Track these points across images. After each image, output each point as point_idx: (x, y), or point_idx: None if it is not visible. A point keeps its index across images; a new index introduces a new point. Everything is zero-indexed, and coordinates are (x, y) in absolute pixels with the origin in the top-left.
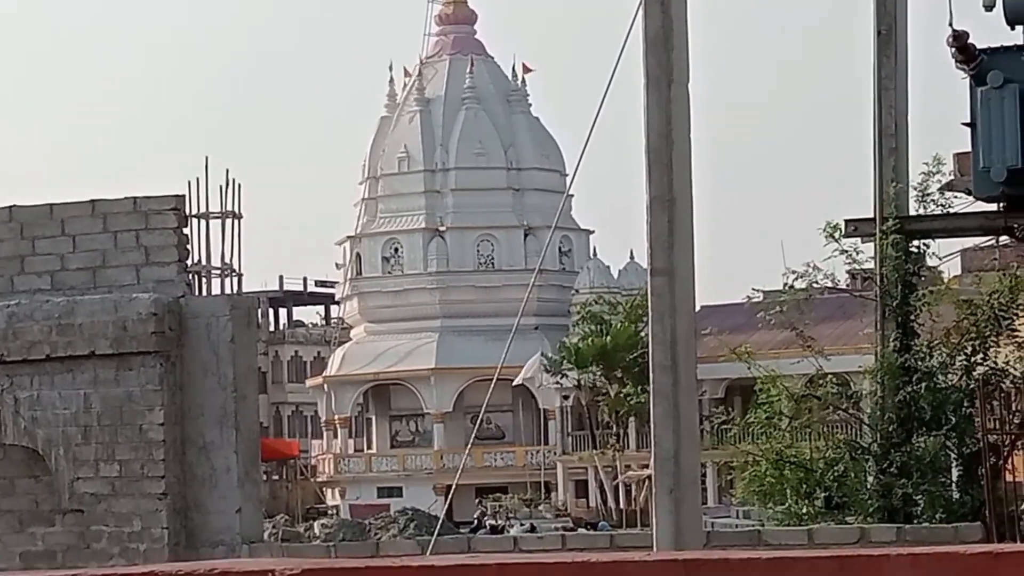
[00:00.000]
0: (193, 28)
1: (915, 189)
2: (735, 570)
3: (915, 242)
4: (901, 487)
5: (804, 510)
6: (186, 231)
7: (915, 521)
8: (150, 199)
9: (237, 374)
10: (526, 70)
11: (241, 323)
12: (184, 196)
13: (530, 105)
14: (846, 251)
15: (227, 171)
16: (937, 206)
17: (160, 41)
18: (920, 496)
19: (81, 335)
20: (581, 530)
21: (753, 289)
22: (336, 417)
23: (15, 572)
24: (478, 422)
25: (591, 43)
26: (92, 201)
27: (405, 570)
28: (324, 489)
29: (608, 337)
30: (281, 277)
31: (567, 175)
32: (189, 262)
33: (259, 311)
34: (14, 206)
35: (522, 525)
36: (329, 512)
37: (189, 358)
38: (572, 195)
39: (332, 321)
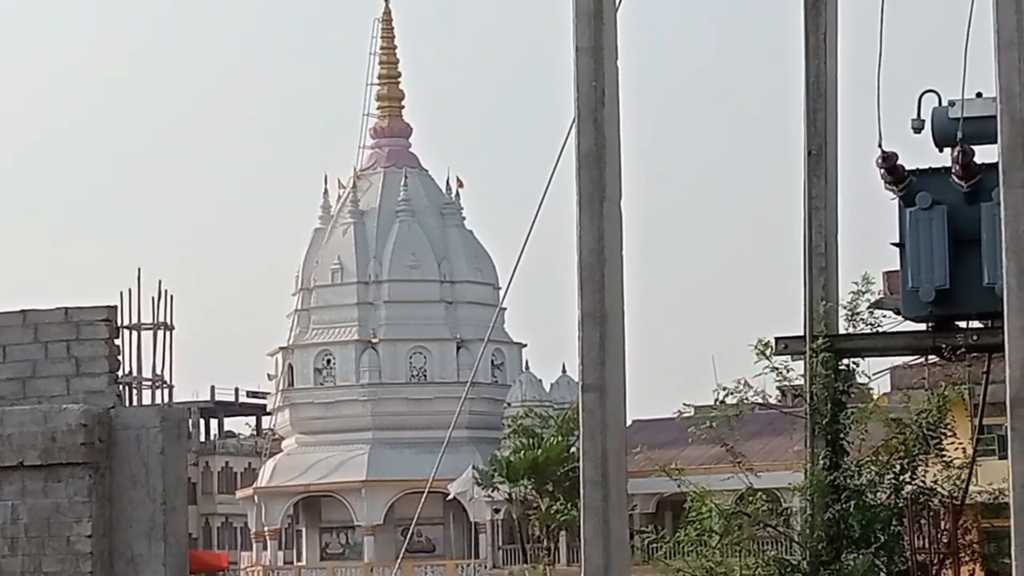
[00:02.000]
0: (127, 140)
1: (845, 308)
2: None
3: (845, 360)
4: None
5: None
6: (117, 342)
7: None
8: (82, 310)
9: (167, 486)
10: (460, 184)
11: (171, 434)
12: (116, 307)
13: (464, 218)
14: (777, 368)
15: (159, 282)
16: (866, 325)
17: (94, 150)
18: None
19: (10, 446)
20: None
21: (684, 404)
22: (266, 529)
23: None
24: (409, 535)
25: (525, 158)
26: (23, 311)
27: None
28: None
29: (540, 451)
30: (213, 387)
31: (500, 288)
32: (120, 373)
33: (190, 422)
34: None
35: None
36: None
37: (118, 469)
38: (505, 308)
39: (263, 432)
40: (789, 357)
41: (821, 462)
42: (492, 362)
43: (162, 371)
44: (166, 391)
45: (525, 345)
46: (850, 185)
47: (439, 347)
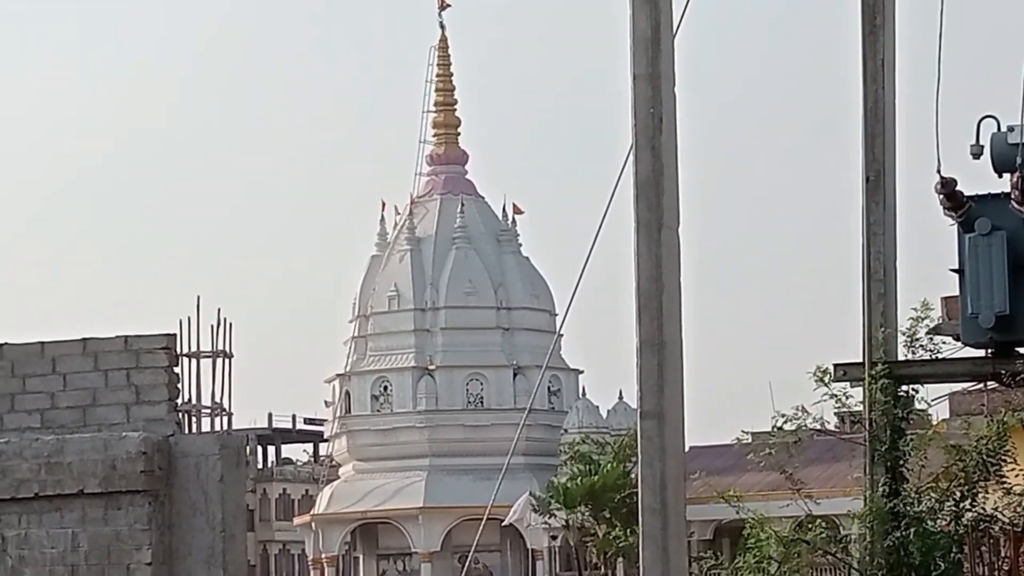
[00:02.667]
0: (185, 166)
1: (903, 334)
2: None
3: (903, 387)
4: None
5: None
6: (176, 370)
7: None
8: (141, 338)
9: (226, 513)
10: (516, 211)
11: (230, 462)
12: (175, 335)
13: (520, 245)
14: (835, 395)
15: (219, 310)
16: (925, 351)
17: (153, 179)
18: None
19: (70, 473)
20: None
21: (742, 431)
22: (323, 556)
23: None
24: (467, 562)
25: (583, 184)
26: (83, 339)
27: None
28: None
29: (597, 477)
30: (270, 414)
31: (556, 315)
32: (179, 401)
33: (248, 449)
34: (5, 344)
35: None
36: None
37: (178, 497)
38: (562, 335)
39: (320, 459)
40: (848, 383)
41: (880, 489)
42: (549, 388)
43: (221, 399)
44: (225, 418)
45: (582, 372)
46: (909, 211)
47: (496, 374)
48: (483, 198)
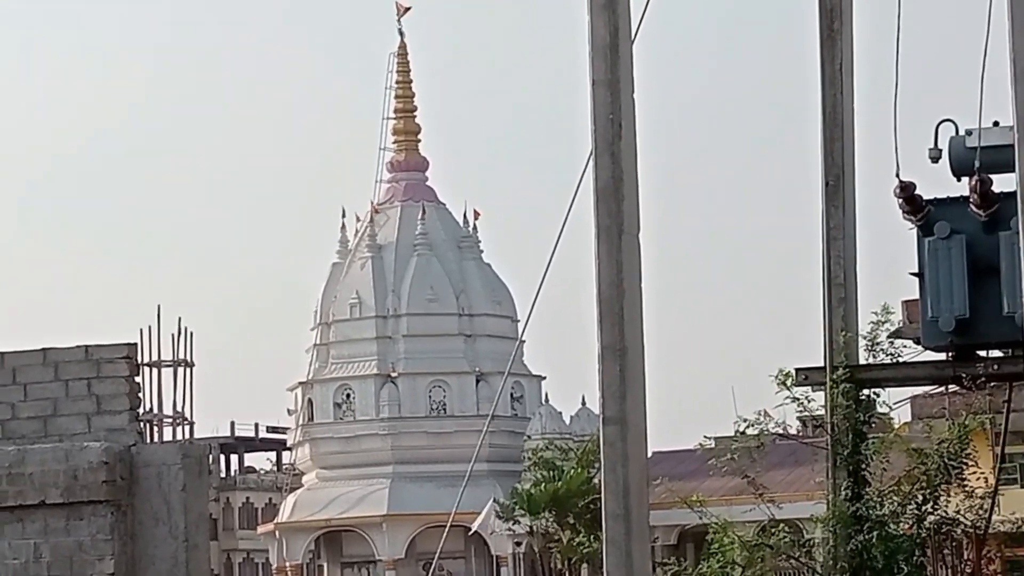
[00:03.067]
0: (145, 175)
1: (864, 338)
2: None
3: (865, 390)
4: None
5: None
6: (138, 379)
7: None
8: (102, 347)
9: (188, 523)
10: (476, 215)
11: (193, 471)
12: (136, 344)
13: (482, 251)
14: (797, 399)
15: (179, 319)
16: (886, 355)
17: (111, 187)
18: None
19: (31, 484)
20: None
21: (704, 436)
22: (288, 564)
23: None
24: (431, 569)
25: (543, 191)
26: (44, 349)
27: None
28: None
29: (560, 483)
30: (232, 423)
31: (519, 321)
32: (141, 410)
33: (210, 458)
34: None
35: None
36: None
37: (140, 507)
38: (524, 341)
39: (284, 467)
40: (810, 387)
41: (843, 493)
42: (512, 395)
43: (183, 408)
44: (187, 428)
45: (544, 378)
46: (868, 215)
47: (458, 380)
48: (444, 205)
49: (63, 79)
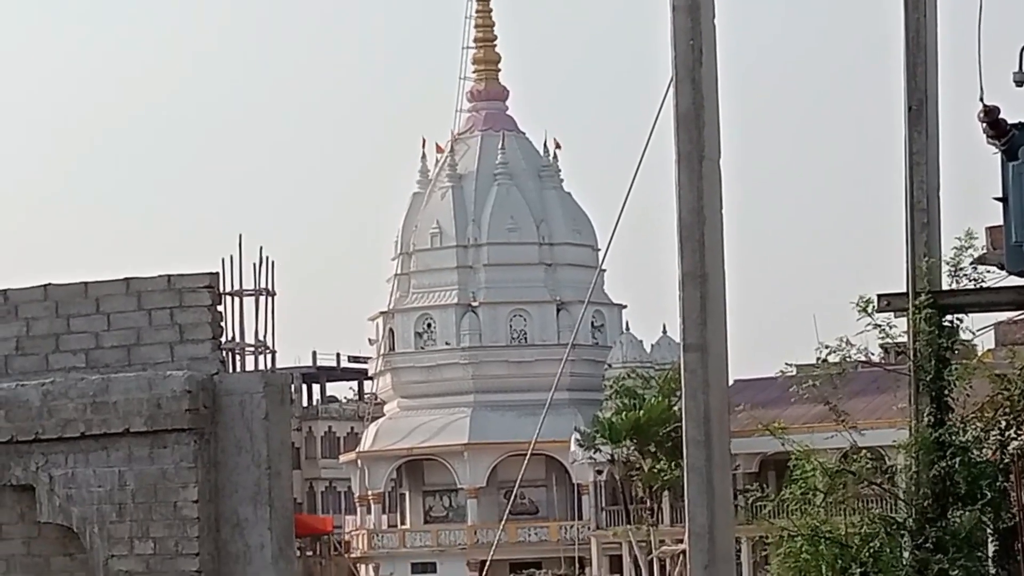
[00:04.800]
0: (227, 107)
1: (947, 263)
2: None
3: (948, 316)
4: (937, 563)
5: None
6: (220, 308)
7: None
8: (184, 277)
9: (271, 451)
10: (557, 146)
11: (275, 400)
12: (218, 274)
13: (562, 180)
14: (879, 326)
15: (260, 248)
16: (970, 280)
17: (194, 120)
18: (956, 571)
19: (116, 413)
20: None
21: (786, 363)
22: (370, 493)
23: None
24: (512, 497)
25: (623, 118)
26: (126, 279)
27: None
28: (358, 565)
29: (641, 411)
30: (314, 353)
31: (599, 250)
32: (223, 339)
33: (292, 387)
34: (49, 284)
35: None
36: None
37: (223, 435)
38: (604, 270)
39: (365, 397)
40: (892, 314)
41: (926, 419)
42: (592, 323)
43: (264, 337)
44: (269, 357)
45: (625, 306)
46: (952, 140)
47: (539, 309)
48: (524, 134)
49: (148, 20)
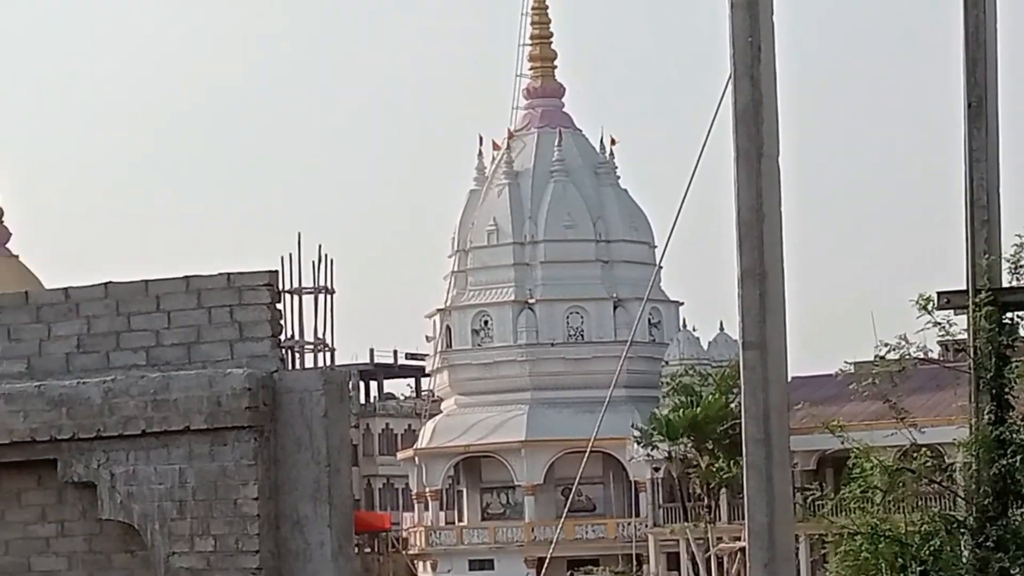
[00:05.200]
0: (286, 105)
1: (1008, 261)
2: None
3: (1008, 314)
4: (998, 561)
5: None
6: (279, 306)
7: None
8: (244, 275)
9: (330, 448)
10: (613, 142)
11: (334, 397)
12: (277, 272)
13: (618, 177)
14: (939, 323)
15: (319, 247)
16: None
17: (253, 118)
18: (1017, 571)
19: (176, 410)
20: None
21: (845, 361)
22: (427, 490)
23: None
24: (571, 495)
25: (680, 115)
26: (187, 277)
27: None
28: (416, 562)
29: (698, 409)
30: (372, 350)
31: (655, 247)
32: (282, 337)
33: (350, 384)
34: (110, 283)
35: None
36: None
37: (282, 433)
38: (661, 267)
39: (423, 394)
40: (951, 311)
41: (986, 417)
42: (649, 320)
43: (323, 334)
44: (328, 354)
45: (682, 303)
46: (1012, 136)
47: (596, 306)
48: (580, 131)
49: (210, 17)
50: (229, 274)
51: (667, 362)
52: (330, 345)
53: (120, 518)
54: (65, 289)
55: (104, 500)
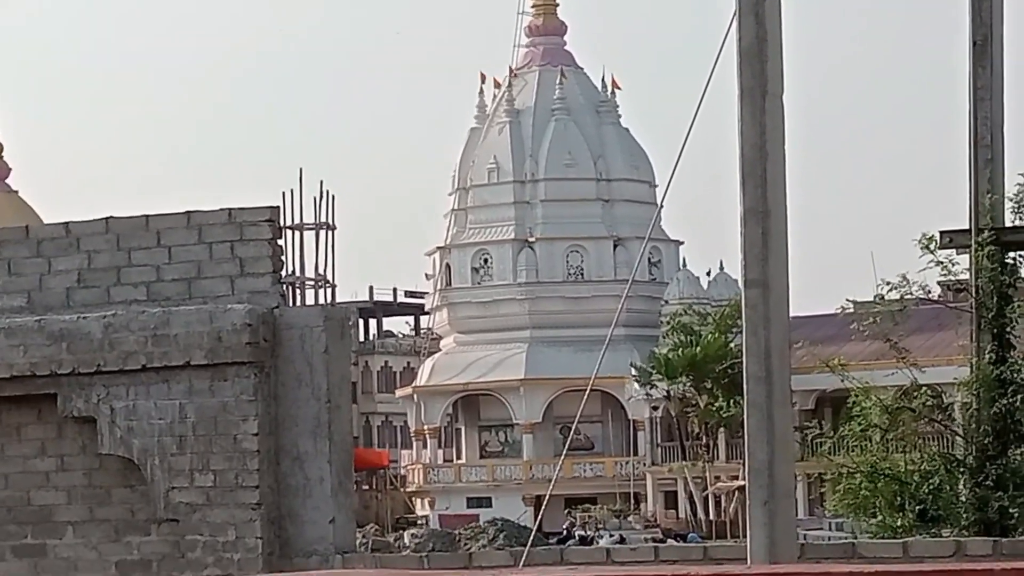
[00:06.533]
0: (285, 41)
1: (1011, 200)
2: None
3: (1011, 253)
4: (997, 500)
5: (898, 523)
6: (280, 242)
7: (1011, 535)
8: (245, 210)
9: (331, 385)
10: (616, 86)
11: (335, 334)
12: (278, 207)
13: (620, 116)
14: (941, 263)
15: (321, 182)
16: None
17: (253, 54)
18: (1016, 509)
19: (176, 346)
20: (671, 541)
21: (846, 300)
22: (425, 427)
23: None
24: (570, 433)
25: (682, 53)
26: (187, 212)
27: None
28: (413, 499)
29: (698, 348)
30: (371, 287)
31: (656, 186)
32: (283, 273)
33: (351, 322)
34: (111, 218)
35: (611, 536)
36: (419, 522)
37: (283, 369)
38: (663, 207)
39: (422, 332)
40: (954, 251)
41: (987, 356)
42: (649, 260)
43: (324, 271)
44: (328, 290)
45: (682, 243)
46: (1016, 75)
47: (596, 245)
48: (582, 69)
49: None
50: (230, 209)
51: (666, 301)
52: (331, 281)
53: (120, 453)
54: (66, 224)
55: (104, 435)
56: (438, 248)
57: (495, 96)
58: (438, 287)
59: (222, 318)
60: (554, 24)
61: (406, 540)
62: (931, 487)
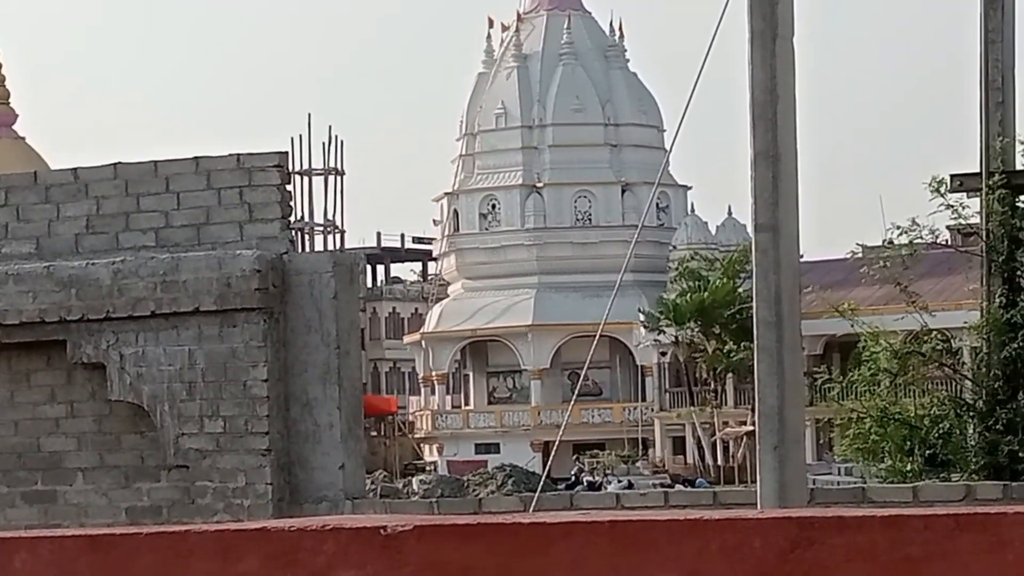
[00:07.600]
0: None
1: (1022, 143)
2: (850, 528)
3: (1022, 197)
4: (1007, 444)
5: (908, 467)
6: (289, 188)
7: (1021, 479)
8: (253, 156)
9: (340, 330)
10: (622, 34)
11: (344, 280)
12: (287, 153)
13: (628, 60)
14: (952, 206)
15: (329, 127)
16: None
17: (263, 1)
18: None
19: (185, 292)
20: (679, 487)
21: (856, 244)
22: (434, 373)
23: (121, 527)
24: (579, 379)
25: None
26: (196, 158)
27: (516, 527)
28: (422, 445)
29: (706, 293)
30: (379, 233)
31: (664, 131)
32: (292, 219)
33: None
34: (119, 163)
35: (620, 482)
36: (427, 468)
37: (292, 315)
38: (670, 152)
39: (429, 278)
40: (964, 194)
41: (997, 301)
42: (657, 205)
43: (333, 216)
44: (337, 236)
45: (690, 188)
46: None
47: (604, 191)
48: (590, 14)
49: None
50: (239, 155)
51: (675, 247)
52: (340, 227)
53: (129, 399)
54: (74, 169)
55: (113, 381)
56: (445, 194)
57: (503, 41)
58: (446, 233)
59: (231, 264)
60: None
61: (415, 486)
62: (940, 431)
